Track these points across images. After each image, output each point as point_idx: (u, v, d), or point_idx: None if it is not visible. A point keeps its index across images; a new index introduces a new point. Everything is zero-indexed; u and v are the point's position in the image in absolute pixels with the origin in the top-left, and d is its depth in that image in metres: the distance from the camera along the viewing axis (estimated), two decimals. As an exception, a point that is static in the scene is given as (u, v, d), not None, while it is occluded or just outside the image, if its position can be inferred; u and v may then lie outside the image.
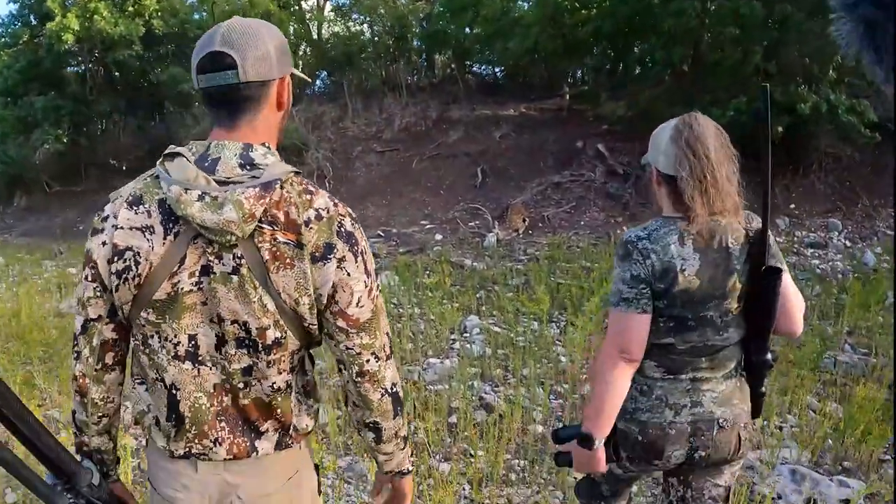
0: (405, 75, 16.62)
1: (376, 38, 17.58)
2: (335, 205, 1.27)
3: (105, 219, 1.26)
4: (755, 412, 1.83)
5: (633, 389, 1.75)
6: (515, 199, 11.12)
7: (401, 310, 6.50)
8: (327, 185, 12.74)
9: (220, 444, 1.29)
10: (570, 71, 15.84)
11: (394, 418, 1.37)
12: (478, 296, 6.93)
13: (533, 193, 11.42)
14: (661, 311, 1.70)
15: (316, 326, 1.28)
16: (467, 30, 15.49)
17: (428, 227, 11.01)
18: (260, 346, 1.24)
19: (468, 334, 5.80)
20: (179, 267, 1.20)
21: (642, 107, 11.73)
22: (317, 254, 1.22)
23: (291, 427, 1.33)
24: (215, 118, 1.26)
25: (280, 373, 1.28)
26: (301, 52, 17.89)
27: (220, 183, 1.17)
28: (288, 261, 1.20)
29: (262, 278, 1.20)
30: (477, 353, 5.18)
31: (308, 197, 1.24)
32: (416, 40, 17.47)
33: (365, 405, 1.34)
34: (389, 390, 1.35)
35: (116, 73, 17.35)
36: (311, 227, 1.21)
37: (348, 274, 1.25)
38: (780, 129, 9.98)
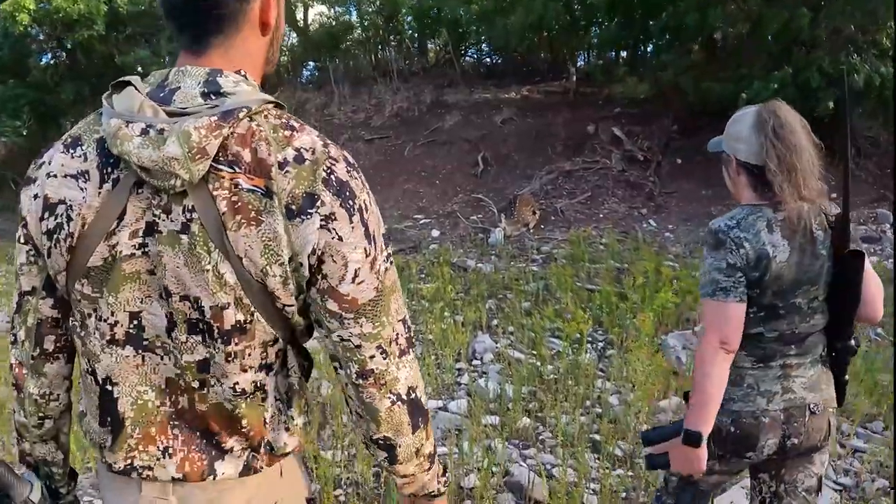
0: (396, 62, 15.48)
1: (365, 20, 16.45)
2: (325, 145, 0.97)
3: (40, 166, 1.01)
4: (839, 400, 1.80)
5: None
6: (522, 190, 9.77)
7: (391, 326, 5.12)
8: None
9: (171, 457, 1.01)
10: (577, 50, 14.61)
11: (413, 433, 1.04)
12: (488, 307, 5.54)
13: (542, 183, 10.08)
14: (752, 301, 1.68)
15: (294, 309, 0.97)
16: (461, 11, 14.31)
17: (423, 221, 9.62)
18: (216, 331, 0.95)
19: (479, 362, 4.43)
20: (118, 224, 0.94)
21: (666, 85, 10.40)
22: (293, 207, 0.92)
23: (263, 445, 1.04)
24: (180, 42, 0.99)
25: (245, 370, 0.99)
26: (286, 42, 17.05)
27: (172, 115, 0.90)
28: (252, 215, 0.91)
29: (217, 238, 0.91)
30: (493, 391, 3.80)
31: (287, 133, 0.95)
32: (408, 25, 16.43)
33: (370, 416, 1.02)
34: (404, 397, 1.02)
35: (80, 58, 16.10)
36: (286, 171, 0.92)
37: (339, 238, 0.94)
38: (830, 104, 8.68)
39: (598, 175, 10.19)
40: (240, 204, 0.91)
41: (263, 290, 0.94)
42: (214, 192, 0.91)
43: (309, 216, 0.92)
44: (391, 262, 1.02)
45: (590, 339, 4.61)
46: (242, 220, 0.91)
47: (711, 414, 1.65)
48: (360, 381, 1.00)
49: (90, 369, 1.03)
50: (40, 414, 1.12)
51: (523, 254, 7.61)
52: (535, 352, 4.42)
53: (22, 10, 14.03)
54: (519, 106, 12.79)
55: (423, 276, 6.68)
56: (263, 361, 1.01)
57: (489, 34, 14.70)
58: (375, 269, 0.98)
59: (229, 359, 0.97)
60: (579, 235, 7.79)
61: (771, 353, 1.72)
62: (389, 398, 1.01)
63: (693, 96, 9.92)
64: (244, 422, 1.01)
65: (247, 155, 0.92)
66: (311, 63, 17.56)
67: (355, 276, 0.96)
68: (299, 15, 17.14)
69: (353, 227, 0.95)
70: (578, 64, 14.88)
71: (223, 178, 0.91)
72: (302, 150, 0.94)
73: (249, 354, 0.98)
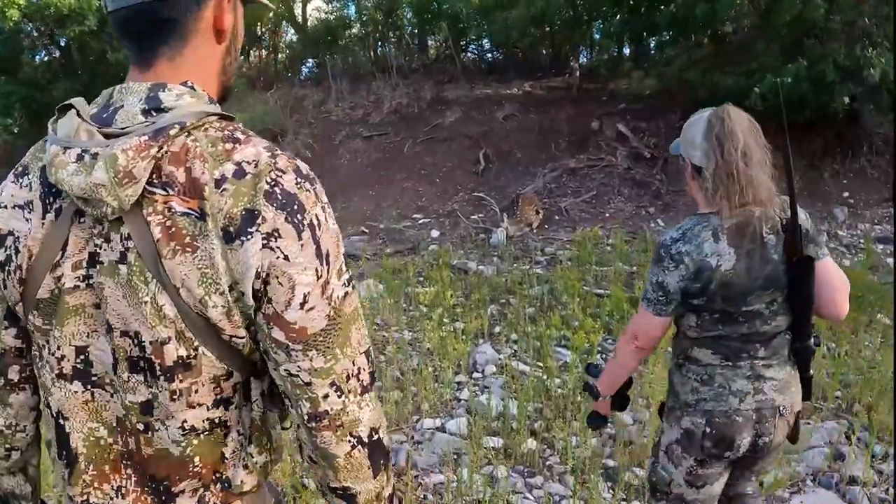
0: (395, 57, 15.19)
1: (364, 15, 16.16)
2: (273, 156, 0.89)
3: None
4: (806, 395, 1.84)
5: (692, 381, 1.77)
6: (525, 188, 9.42)
7: (385, 334, 4.80)
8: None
9: (124, 497, 0.98)
10: (580, 45, 14.29)
11: (375, 477, 0.98)
12: (490, 312, 5.22)
13: (545, 181, 9.73)
14: (702, 307, 1.71)
15: (244, 341, 0.90)
16: (462, 6, 14.00)
17: (422, 221, 9.28)
18: (158, 369, 0.89)
19: (480, 375, 4.10)
20: (62, 255, 0.92)
21: (672, 79, 10.06)
22: (231, 229, 0.85)
23: (221, 481, 0.98)
24: (130, 54, 0.95)
25: (192, 407, 0.93)
26: (286, 39, 16.82)
27: (111, 137, 0.86)
28: (187, 241, 0.86)
29: (154, 268, 0.86)
30: (496, 409, 3.48)
31: (228, 146, 0.88)
32: (407, 21, 16.16)
33: (326, 463, 0.96)
34: (366, 440, 0.95)
35: (75, 56, 15.84)
36: (223, 189, 0.85)
37: (285, 257, 0.86)
38: (846, 99, 8.34)
39: (603, 173, 9.84)
40: (174, 229, 0.85)
41: (206, 322, 0.88)
42: (148, 218, 0.86)
43: (249, 237, 0.84)
44: (352, 287, 0.94)
45: (600, 349, 4.29)
46: (177, 247, 0.85)
47: (610, 386, 1.92)
48: (313, 424, 0.93)
49: (46, 401, 1.01)
50: (7, 445, 1.09)
51: (527, 255, 7.27)
52: (540, 363, 4.10)
53: (11, 6, 13.75)
54: (521, 102, 12.42)
55: (421, 279, 6.35)
56: (218, 396, 0.94)
57: (490, 29, 14.36)
58: (328, 293, 0.90)
59: (174, 397, 0.91)
60: (585, 236, 7.45)
61: (736, 351, 1.74)
62: (349, 442, 0.94)
63: (702, 90, 9.58)
64: (196, 460, 0.95)
65: (181, 175, 0.86)
66: (310, 60, 17.34)
67: (304, 301, 0.88)
68: (297, 11, 16.85)
69: (301, 245, 0.86)
70: (581, 59, 14.60)
71: (156, 201, 0.86)
72: (243, 163, 0.87)
73: (196, 391, 0.92)
